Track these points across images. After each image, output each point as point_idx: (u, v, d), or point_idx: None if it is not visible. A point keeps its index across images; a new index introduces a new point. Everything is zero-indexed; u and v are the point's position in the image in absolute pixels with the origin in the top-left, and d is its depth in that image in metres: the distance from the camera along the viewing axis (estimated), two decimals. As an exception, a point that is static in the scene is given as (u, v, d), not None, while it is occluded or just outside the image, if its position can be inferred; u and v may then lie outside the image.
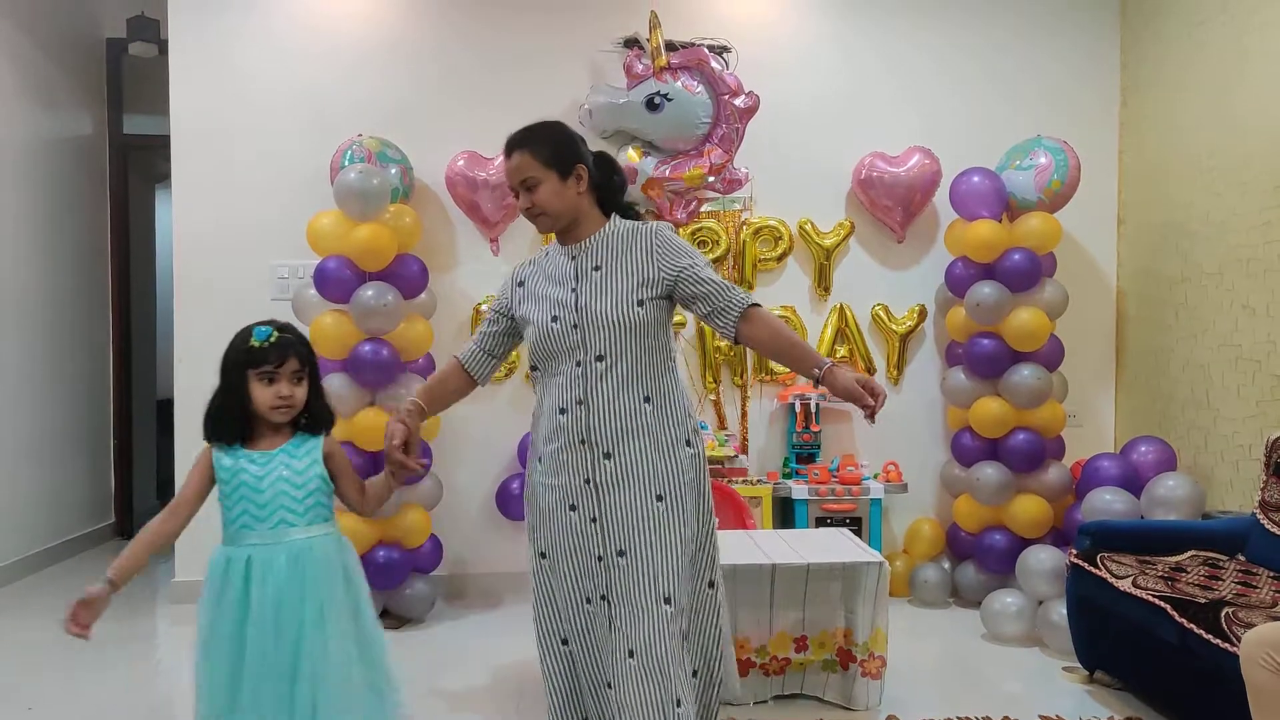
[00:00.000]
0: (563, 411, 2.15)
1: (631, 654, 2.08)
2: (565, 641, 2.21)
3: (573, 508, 2.16)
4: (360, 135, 3.82)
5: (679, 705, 2.06)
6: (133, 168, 5.31)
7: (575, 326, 2.14)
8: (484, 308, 4.11)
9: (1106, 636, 3.01)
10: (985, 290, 3.82)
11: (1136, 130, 4.27)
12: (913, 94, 4.27)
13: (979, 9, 4.30)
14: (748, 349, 4.10)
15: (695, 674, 2.23)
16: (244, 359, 1.96)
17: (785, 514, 4.02)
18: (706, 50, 4.00)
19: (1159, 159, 4.10)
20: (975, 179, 3.92)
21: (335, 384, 3.57)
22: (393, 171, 3.78)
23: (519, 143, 2.18)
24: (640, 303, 2.13)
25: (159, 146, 4.23)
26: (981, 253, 3.88)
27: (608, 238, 2.20)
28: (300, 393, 1.99)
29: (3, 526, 4.28)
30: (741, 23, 4.19)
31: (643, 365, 2.15)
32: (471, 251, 4.14)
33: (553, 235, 2.27)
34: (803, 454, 4.12)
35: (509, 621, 3.73)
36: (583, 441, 2.13)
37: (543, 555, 2.21)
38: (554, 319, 2.17)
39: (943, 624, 3.78)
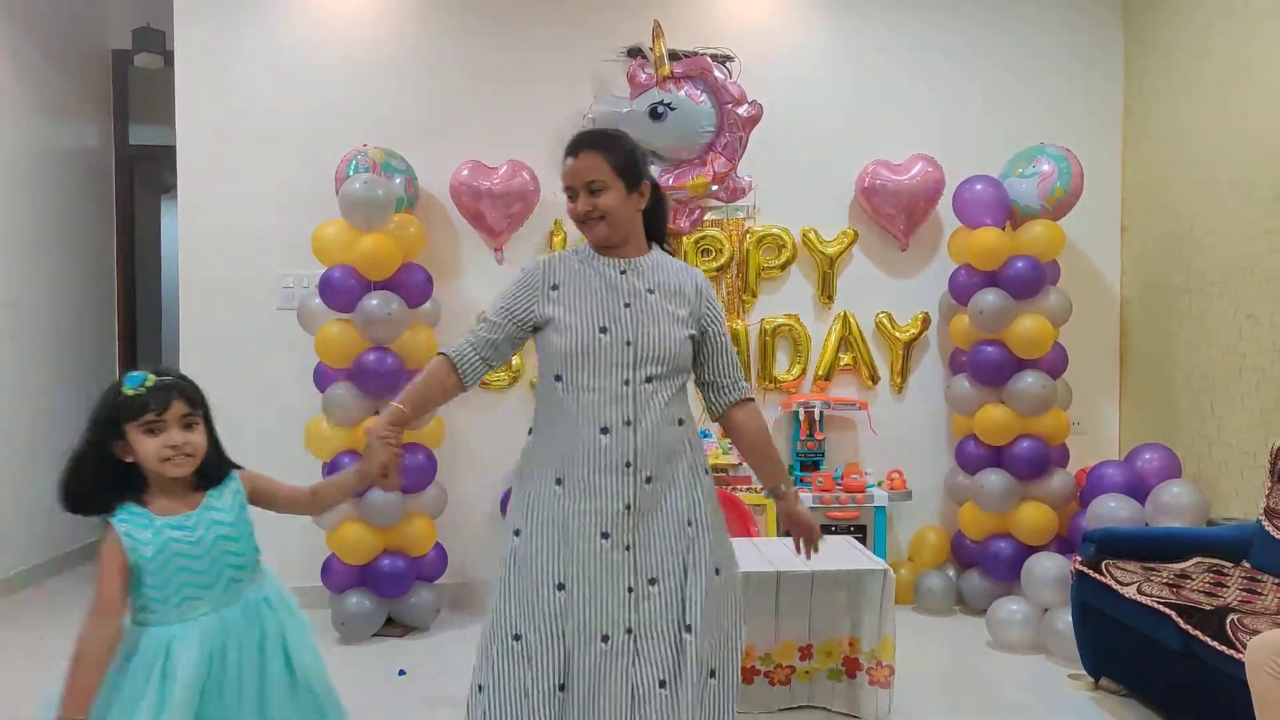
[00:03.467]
0: (605, 431, 2.01)
1: (663, 684, 1.99)
2: (563, 688, 1.97)
3: (605, 535, 2.00)
4: (365, 145, 3.84)
5: None
6: (138, 178, 5.34)
7: (629, 344, 2.04)
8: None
9: (1112, 644, 3.00)
10: (989, 298, 3.82)
11: (1140, 138, 4.28)
12: (916, 102, 4.28)
13: (981, 18, 4.32)
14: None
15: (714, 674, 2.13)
16: (116, 413, 1.71)
17: (789, 522, 4.01)
18: (710, 59, 4.02)
19: (1162, 167, 4.10)
20: (978, 187, 3.93)
21: (340, 393, 3.58)
22: (397, 181, 3.80)
23: (591, 143, 2.09)
24: (690, 337, 2.12)
25: (164, 157, 4.25)
26: (985, 260, 3.89)
27: (656, 265, 2.15)
28: (197, 439, 1.75)
29: (9, 536, 4.29)
30: (745, 31, 4.20)
31: (678, 391, 2.12)
32: (476, 261, 4.15)
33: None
34: (807, 462, 4.12)
35: (513, 630, 3.72)
36: (627, 465, 2.01)
37: (561, 587, 1.99)
38: (603, 330, 2.04)
39: (948, 632, 3.78)
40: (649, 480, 2.03)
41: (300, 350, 3.80)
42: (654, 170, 4.02)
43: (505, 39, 4.14)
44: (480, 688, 2.02)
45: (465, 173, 3.95)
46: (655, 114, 3.93)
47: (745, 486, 3.99)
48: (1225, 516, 3.51)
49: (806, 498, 3.91)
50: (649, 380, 2.04)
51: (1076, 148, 3.99)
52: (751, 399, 2.22)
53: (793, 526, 2.23)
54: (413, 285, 3.72)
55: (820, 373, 4.22)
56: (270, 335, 3.99)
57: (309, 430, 3.68)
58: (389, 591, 3.64)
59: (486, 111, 4.13)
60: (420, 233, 3.81)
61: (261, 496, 1.90)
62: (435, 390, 2.12)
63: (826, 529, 3.88)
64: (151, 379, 1.74)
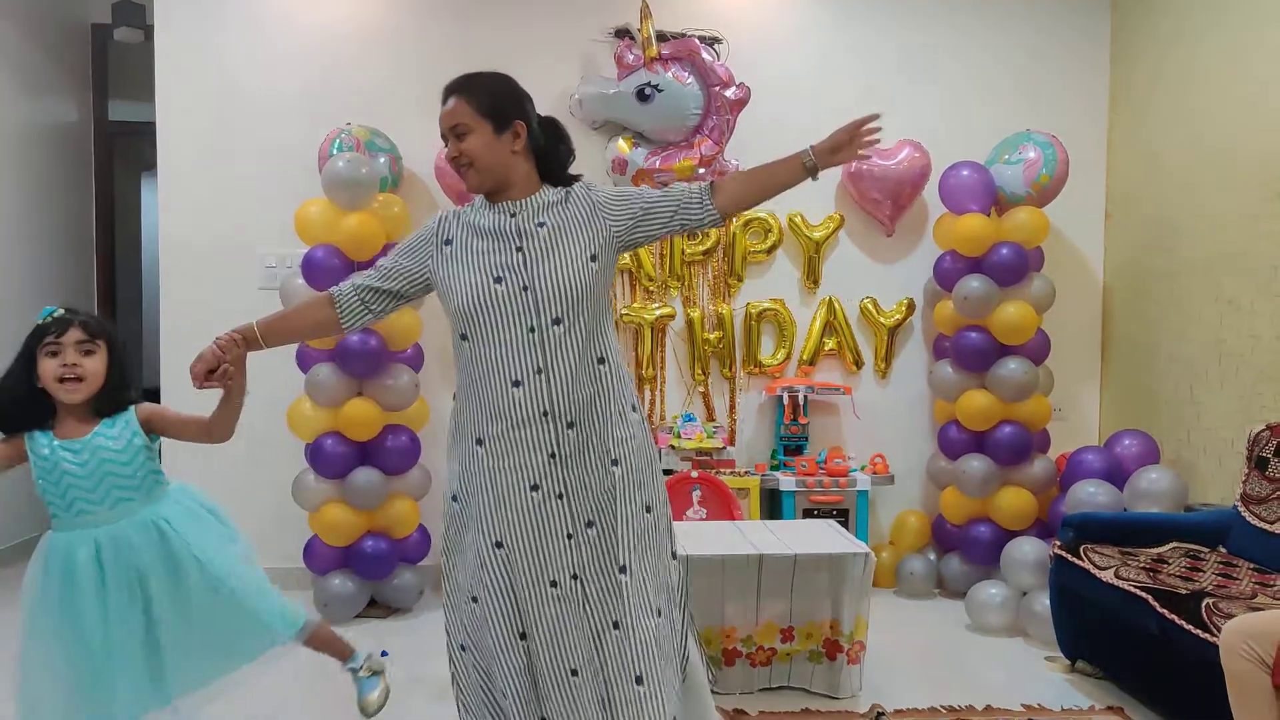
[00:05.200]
0: (517, 384, 1.97)
1: (616, 625, 1.99)
2: (524, 636, 2.00)
3: (535, 487, 1.98)
4: (349, 124, 3.80)
5: (669, 668, 2.01)
6: (118, 155, 5.26)
7: (525, 288, 1.98)
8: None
9: (1088, 627, 3.04)
10: (973, 284, 3.83)
11: (1125, 125, 4.29)
12: (903, 87, 4.27)
13: (970, 4, 4.30)
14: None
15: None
16: (31, 341, 2.00)
17: (773, 505, 4.03)
18: (698, 41, 4.00)
19: (1147, 154, 4.12)
20: (964, 173, 3.94)
21: (323, 374, 3.56)
22: (381, 160, 3.76)
23: (456, 88, 2.07)
24: (594, 257, 2.02)
25: (145, 134, 4.19)
26: (970, 246, 3.90)
27: (545, 201, 2.07)
28: (91, 365, 1.99)
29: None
30: (733, 14, 4.18)
31: (595, 326, 2.03)
32: (460, 241, 4.12)
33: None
34: (790, 446, 4.13)
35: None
36: (544, 414, 1.97)
37: (499, 545, 1.99)
38: (498, 280, 1.99)
39: (928, 615, 3.81)
40: (570, 425, 1.99)
41: (283, 330, 3.76)
42: (640, 153, 4.00)
43: (492, 17, 4.10)
44: (463, 647, 2.09)
45: (450, 153, 3.91)
46: (642, 95, 3.91)
47: (728, 470, 4.00)
48: (1203, 502, 3.55)
49: (789, 481, 3.92)
50: (557, 322, 1.98)
51: (1062, 134, 4.00)
52: (711, 181, 2.13)
53: (837, 146, 2.11)
54: (397, 266, 3.68)
55: (805, 357, 4.23)
56: (252, 315, 3.86)
57: (292, 411, 3.66)
58: (372, 573, 3.63)
59: (472, 91, 4.08)
60: (404, 212, 3.78)
61: (158, 424, 2.11)
62: (300, 320, 2.21)
63: (809, 513, 3.91)
64: (60, 311, 2.01)
